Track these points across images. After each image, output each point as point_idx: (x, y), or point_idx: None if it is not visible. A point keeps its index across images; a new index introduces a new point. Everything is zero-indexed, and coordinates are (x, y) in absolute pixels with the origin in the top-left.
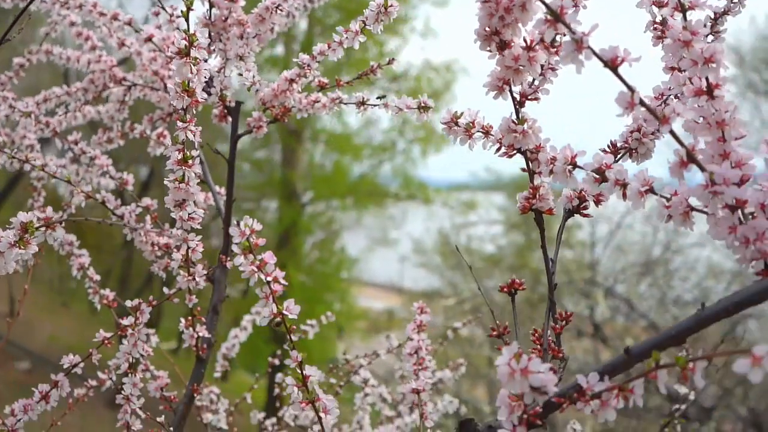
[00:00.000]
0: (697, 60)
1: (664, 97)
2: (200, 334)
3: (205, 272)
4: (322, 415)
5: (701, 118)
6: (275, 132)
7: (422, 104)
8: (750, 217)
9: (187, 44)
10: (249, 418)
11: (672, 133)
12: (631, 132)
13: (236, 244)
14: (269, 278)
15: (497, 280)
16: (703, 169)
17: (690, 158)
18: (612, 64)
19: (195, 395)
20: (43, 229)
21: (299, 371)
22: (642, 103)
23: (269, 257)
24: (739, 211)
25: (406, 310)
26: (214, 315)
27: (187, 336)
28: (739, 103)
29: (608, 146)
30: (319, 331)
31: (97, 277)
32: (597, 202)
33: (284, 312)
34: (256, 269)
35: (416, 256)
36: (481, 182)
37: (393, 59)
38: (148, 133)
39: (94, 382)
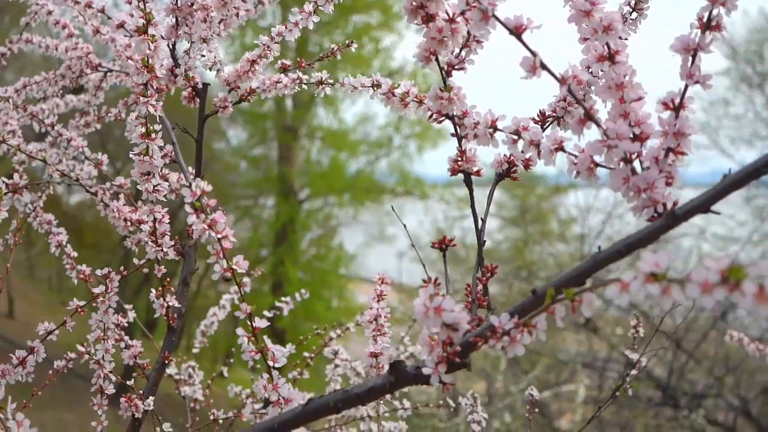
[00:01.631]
0: (597, 28)
1: (589, 69)
2: (170, 304)
3: (172, 243)
4: (270, 363)
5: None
6: (272, 129)
7: (375, 83)
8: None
9: (145, 22)
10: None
11: (570, 92)
12: (558, 101)
13: (188, 203)
14: (220, 236)
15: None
16: (599, 126)
17: (588, 116)
18: (516, 31)
19: (167, 362)
20: (10, 194)
21: (249, 323)
22: (543, 66)
23: (219, 216)
24: (637, 164)
25: (404, 306)
26: (184, 287)
27: (157, 305)
28: (732, 96)
29: (537, 114)
30: (292, 306)
31: (75, 254)
32: (526, 167)
33: (234, 267)
34: (207, 227)
35: (413, 252)
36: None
37: (352, 42)
38: (123, 116)
39: (73, 354)
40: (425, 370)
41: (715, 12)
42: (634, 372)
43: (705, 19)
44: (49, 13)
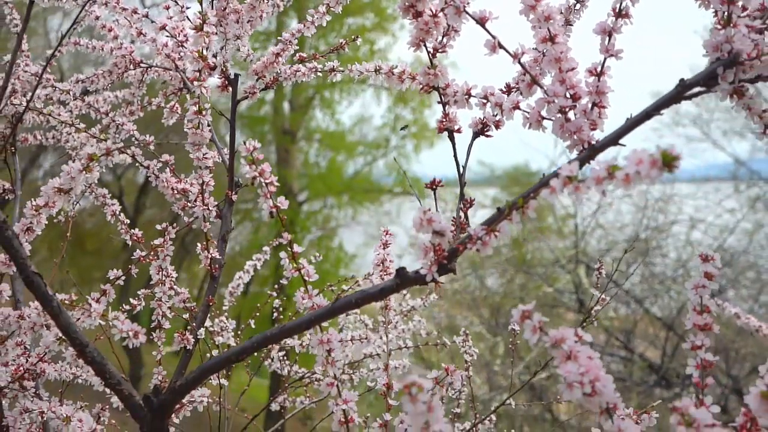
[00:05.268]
0: (540, 18)
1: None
2: (213, 256)
3: (216, 203)
4: (306, 278)
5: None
6: (270, 133)
7: (377, 67)
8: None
9: (201, 21)
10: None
11: (521, 65)
12: (520, 75)
13: (243, 157)
14: (267, 181)
15: (493, 269)
16: (542, 88)
17: (533, 81)
18: (481, 22)
19: (210, 304)
20: (104, 156)
21: (290, 250)
22: (500, 46)
23: (267, 167)
24: (571, 114)
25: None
26: (223, 243)
27: (202, 257)
28: None
29: (505, 86)
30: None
31: (127, 221)
32: (497, 127)
33: (278, 204)
34: (257, 174)
35: (413, 250)
36: (475, 176)
37: (357, 36)
38: (163, 105)
39: (127, 307)
40: (422, 271)
41: (624, 4)
42: (598, 307)
43: (617, 9)
44: (97, 18)
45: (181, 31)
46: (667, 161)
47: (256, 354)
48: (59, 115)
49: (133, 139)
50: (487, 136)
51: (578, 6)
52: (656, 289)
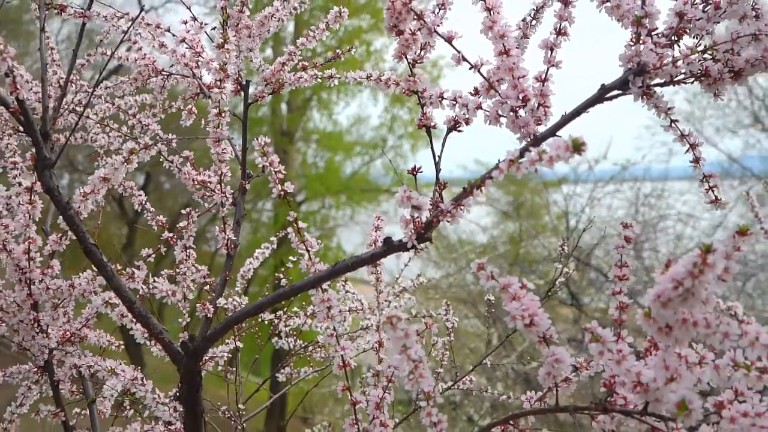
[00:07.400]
0: (497, 36)
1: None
2: (229, 237)
3: (232, 191)
4: (310, 248)
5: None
6: (268, 134)
7: (368, 74)
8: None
9: (223, 40)
10: (258, 421)
11: (480, 73)
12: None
13: (256, 150)
14: (276, 169)
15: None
16: (497, 91)
17: (490, 86)
18: (449, 39)
19: (227, 279)
20: (143, 150)
21: (296, 225)
22: (464, 58)
23: (276, 157)
24: (521, 112)
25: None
26: (237, 226)
27: (219, 238)
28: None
29: (473, 89)
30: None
31: (152, 209)
32: (466, 123)
33: (285, 188)
34: (268, 164)
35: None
36: (472, 174)
37: (352, 47)
38: (182, 108)
39: (165, 273)
40: (404, 239)
41: (562, 24)
42: (561, 279)
43: (557, 28)
44: (123, 32)
45: (198, 42)
46: (576, 146)
47: (267, 322)
48: (87, 118)
49: (157, 137)
50: (458, 131)
51: (534, 22)
52: (647, 282)
